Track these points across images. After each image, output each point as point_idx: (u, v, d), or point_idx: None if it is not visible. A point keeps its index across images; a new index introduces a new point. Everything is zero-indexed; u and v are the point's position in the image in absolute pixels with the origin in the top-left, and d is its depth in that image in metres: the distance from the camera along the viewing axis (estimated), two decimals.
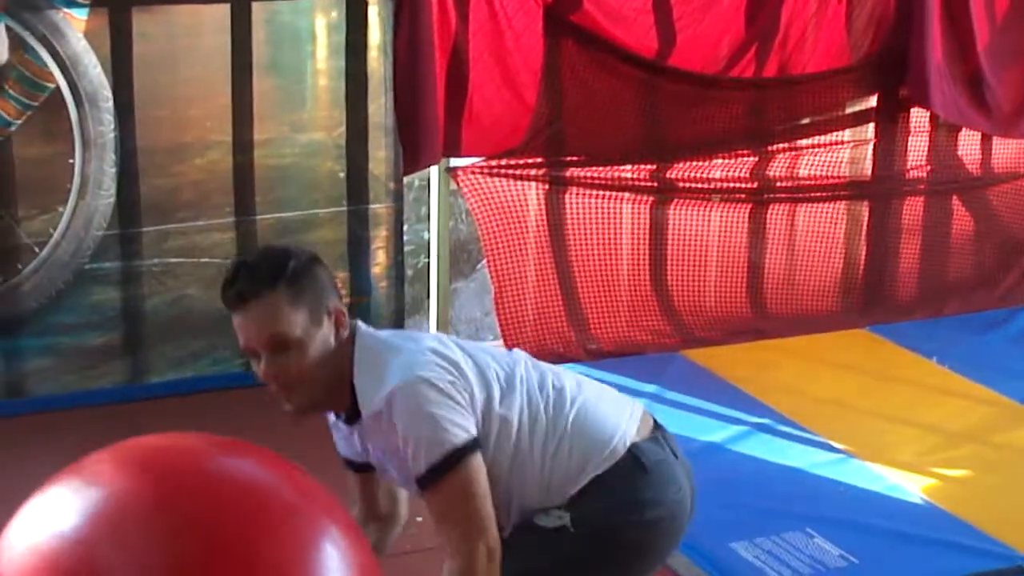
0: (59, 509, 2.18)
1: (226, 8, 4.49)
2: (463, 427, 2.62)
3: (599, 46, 4.82)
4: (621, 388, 4.46)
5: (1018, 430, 4.42)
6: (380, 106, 4.71)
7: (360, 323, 2.79)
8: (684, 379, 4.63)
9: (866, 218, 5.52)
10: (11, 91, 4.30)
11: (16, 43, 4.24)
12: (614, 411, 2.87)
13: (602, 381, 4.56)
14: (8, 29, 4.23)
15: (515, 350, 2.96)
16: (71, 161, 4.43)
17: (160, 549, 2.11)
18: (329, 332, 2.68)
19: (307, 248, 2.82)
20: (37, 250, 4.44)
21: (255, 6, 4.52)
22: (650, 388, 4.50)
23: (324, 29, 4.68)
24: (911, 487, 3.98)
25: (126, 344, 4.53)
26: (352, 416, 2.70)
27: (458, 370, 2.69)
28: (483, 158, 4.80)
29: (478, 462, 2.64)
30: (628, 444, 2.81)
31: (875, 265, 5.54)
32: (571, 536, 2.75)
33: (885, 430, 4.38)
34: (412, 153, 4.58)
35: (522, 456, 2.76)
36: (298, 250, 2.74)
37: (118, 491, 2.19)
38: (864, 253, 5.53)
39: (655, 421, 2.94)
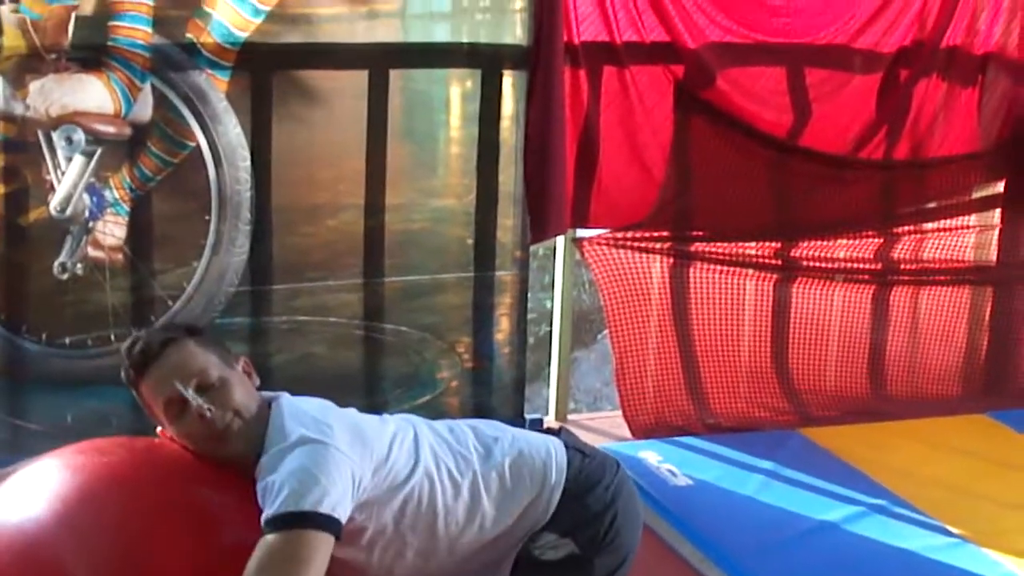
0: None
1: (364, 75, 4.45)
2: (336, 506, 2.55)
3: (730, 123, 4.74)
4: (737, 464, 4.34)
5: None
6: (510, 175, 4.62)
7: (284, 394, 2.83)
8: (800, 457, 4.46)
9: (989, 303, 5.37)
10: (153, 148, 4.24)
11: (160, 102, 4.20)
12: (534, 438, 3.02)
13: (719, 457, 4.45)
14: (153, 88, 4.20)
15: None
16: (207, 218, 4.35)
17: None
18: (244, 378, 2.77)
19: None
20: (170, 303, 4.36)
21: (392, 73, 4.47)
22: (766, 465, 4.34)
23: (459, 98, 4.63)
24: None
25: None
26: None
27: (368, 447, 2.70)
28: (609, 230, 4.73)
29: (325, 547, 2.52)
30: (561, 449, 2.97)
31: (997, 350, 5.40)
32: (583, 556, 2.87)
33: (1003, 516, 4.17)
34: (540, 222, 4.55)
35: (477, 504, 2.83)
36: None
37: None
38: (986, 338, 5.38)
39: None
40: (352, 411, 2.87)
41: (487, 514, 2.84)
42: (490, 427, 3.02)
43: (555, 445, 3.01)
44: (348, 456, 2.62)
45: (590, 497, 2.93)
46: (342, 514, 2.56)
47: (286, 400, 2.78)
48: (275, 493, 2.52)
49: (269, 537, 2.48)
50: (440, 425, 2.99)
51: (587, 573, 2.89)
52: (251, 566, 2.47)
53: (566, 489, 2.91)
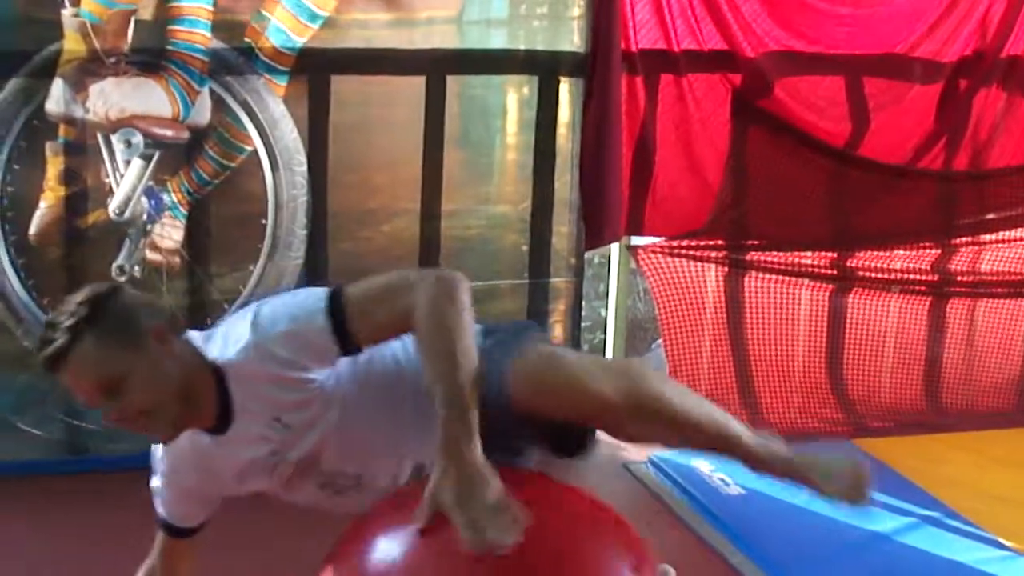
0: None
1: (421, 80, 4.45)
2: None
3: (787, 132, 4.72)
4: None
5: None
6: (566, 183, 4.63)
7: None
8: None
9: None
10: (211, 151, 4.28)
11: (218, 106, 4.22)
12: None
13: None
14: (211, 92, 4.22)
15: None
16: (264, 222, 4.40)
17: None
18: (157, 352, 2.51)
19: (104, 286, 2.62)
20: (227, 307, 4.38)
21: (450, 80, 4.47)
22: None
23: (515, 104, 4.63)
24: None
25: None
26: (223, 418, 2.55)
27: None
28: (664, 238, 4.72)
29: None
30: None
31: None
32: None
33: None
34: (595, 229, 4.56)
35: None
36: (96, 287, 2.56)
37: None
38: None
39: None
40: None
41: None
42: None
43: None
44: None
45: None
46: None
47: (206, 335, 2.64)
48: (303, 322, 2.47)
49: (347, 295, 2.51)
50: None
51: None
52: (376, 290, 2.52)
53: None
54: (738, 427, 2.64)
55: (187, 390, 2.52)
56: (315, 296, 2.49)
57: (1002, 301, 5.24)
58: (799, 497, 4.09)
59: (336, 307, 2.43)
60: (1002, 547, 3.98)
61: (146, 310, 2.56)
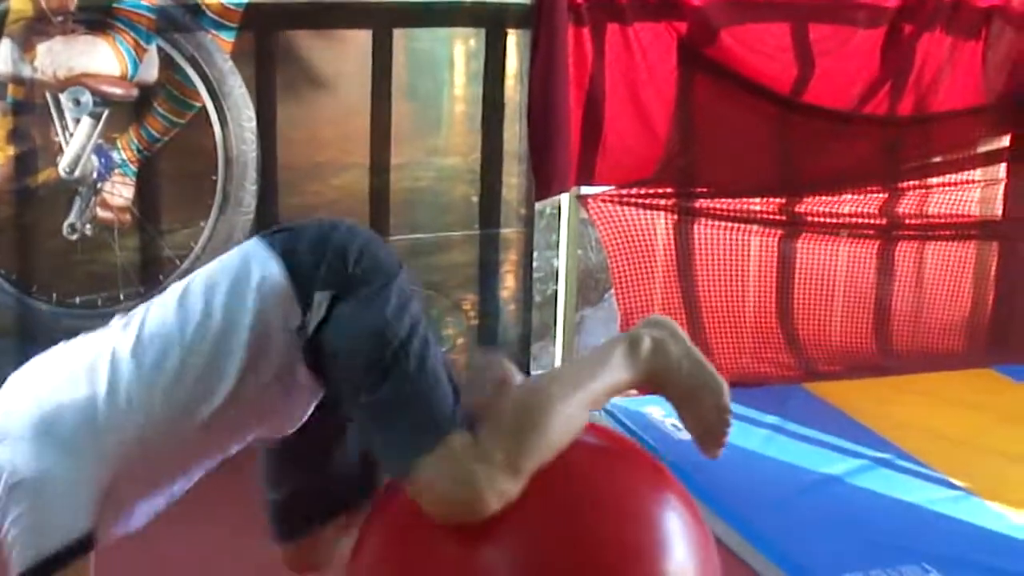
0: None
1: (368, 34, 4.47)
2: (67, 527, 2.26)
3: (733, 80, 4.73)
4: (742, 419, 4.34)
5: None
6: (515, 133, 4.64)
7: None
8: (805, 412, 4.52)
9: (995, 258, 5.37)
10: (159, 108, 4.27)
11: (166, 63, 4.22)
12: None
13: None
14: (159, 49, 4.22)
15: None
16: (213, 178, 4.38)
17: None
18: None
19: None
20: (179, 262, 4.38)
21: (397, 32, 4.49)
22: (771, 419, 4.39)
23: (462, 56, 4.64)
24: None
25: None
26: None
27: None
28: (614, 187, 4.72)
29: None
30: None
31: (1003, 305, 5.42)
32: (350, 292, 2.36)
33: (1008, 469, 4.20)
34: (544, 180, 4.55)
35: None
36: None
37: None
38: (992, 293, 5.39)
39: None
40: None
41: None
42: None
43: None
44: (60, 471, 2.29)
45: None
46: (82, 525, 2.26)
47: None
48: (13, 556, 2.27)
49: None
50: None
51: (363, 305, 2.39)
52: None
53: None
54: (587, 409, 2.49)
55: None
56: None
57: (949, 244, 5.27)
58: (752, 441, 4.22)
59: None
60: (953, 487, 4.03)
61: None
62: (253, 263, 2.39)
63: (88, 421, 2.30)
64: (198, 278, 2.44)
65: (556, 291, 4.88)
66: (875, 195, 5.09)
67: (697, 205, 4.87)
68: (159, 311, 2.41)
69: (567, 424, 2.35)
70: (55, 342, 4.13)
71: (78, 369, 2.38)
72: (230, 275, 2.41)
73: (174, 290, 2.45)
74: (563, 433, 2.34)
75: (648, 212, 4.79)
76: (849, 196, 5.05)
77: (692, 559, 2.41)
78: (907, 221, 5.17)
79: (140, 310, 2.46)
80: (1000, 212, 5.31)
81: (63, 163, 4.22)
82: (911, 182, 5.12)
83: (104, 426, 2.30)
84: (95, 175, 4.27)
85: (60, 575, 2.23)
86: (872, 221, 5.12)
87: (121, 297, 4.37)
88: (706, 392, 2.52)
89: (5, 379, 4.12)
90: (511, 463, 2.25)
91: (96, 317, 4.09)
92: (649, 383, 2.52)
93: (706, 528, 2.51)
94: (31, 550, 2.23)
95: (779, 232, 5.01)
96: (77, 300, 4.33)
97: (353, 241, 2.42)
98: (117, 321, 2.49)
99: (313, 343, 2.36)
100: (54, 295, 4.30)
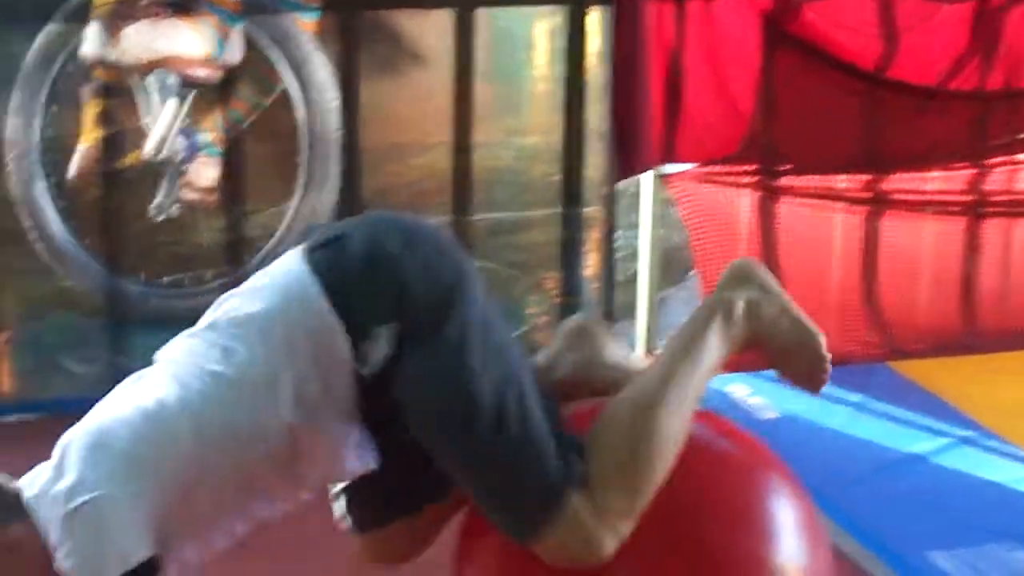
0: None
1: (450, 13, 4.50)
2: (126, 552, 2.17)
3: (818, 55, 4.66)
4: (826, 397, 4.32)
5: None
6: (596, 112, 4.64)
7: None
8: (890, 390, 4.50)
9: None
10: (244, 91, 4.38)
11: (250, 44, 4.29)
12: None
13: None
14: (243, 31, 4.28)
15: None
16: (297, 159, 4.47)
17: None
18: (7, 567, 2.25)
19: None
20: (264, 243, 4.48)
21: (479, 12, 4.52)
22: (855, 398, 4.37)
23: (544, 35, 4.65)
24: None
25: None
26: None
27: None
28: (697, 165, 4.67)
29: None
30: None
31: None
32: (416, 328, 2.21)
33: None
34: (626, 159, 4.50)
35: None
36: None
37: None
38: None
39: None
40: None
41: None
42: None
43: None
44: (119, 498, 2.20)
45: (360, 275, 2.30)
46: (141, 551, 2.18)
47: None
48: None
49: None
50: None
51: (430, 338, 2.25)
52: None
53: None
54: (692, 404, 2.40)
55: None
56: None
57: None
58: (836, 420, 4.21)
59: None
60: None
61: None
62: (295, 296, 2.26)
63: (134, 447, 2.23)
64: (244, 314, 2.29)
65: (638, 270, 4.86)
66: (962, 172, 5.00)
67: (781, 183, 4.80)
68: (212, 348, 2.29)
69: (676, 439, 2.29)
70: (143, 322, 4.31)
71: (127, 398, 2.31)
72: (271, 307, 2.27)
73: (214, 314, 2.34)
74: (674, 450, 2.28)
75: (731, 190, 4.73)
76: (936, 173, 4.96)
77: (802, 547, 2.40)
78: (995, 198, 5.06)
79: (198, 338, 2.33)
80: None
81: (149, 145, 4.31)
82: (999, 158, 5.01)
83: (147, 454, 2.23)
84: (181, 157, 4.34)
85: None
86: (959, 198, 5.03)
87: (207, 277, 4.45)
88: (804, 347, 2.50)
89: (96, 359, 4.31)
90: (629, 508, 2.23)
91: (182, 297, 4.35)
92: (747, 348, 2.47)
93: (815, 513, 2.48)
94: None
95: (864, 210, 4.90)
96: (164, 280, 4.43)
97: (411, 257, 2.27)
98: (186, 338, 2.38)
99: (377, 382, 2.25)
100: (142, 275, 4.41)
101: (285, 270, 2.32)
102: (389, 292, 2.22)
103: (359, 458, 2.31)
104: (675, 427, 2.28)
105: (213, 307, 2.36)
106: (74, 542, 2.15)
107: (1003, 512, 3.75)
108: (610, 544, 2.21)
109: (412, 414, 2.25)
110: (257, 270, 4.46)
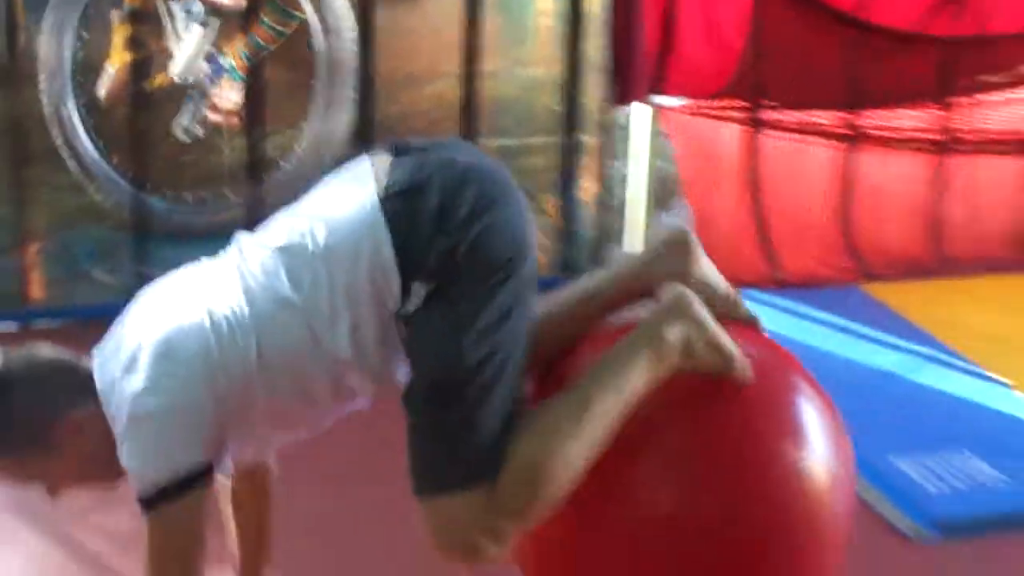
0: None
1: None
2: (179, 467, 2.25)
3: (803, 1, 4.75)
4: (803, 317, 4.43)
5: None
6: (595, 46, 4.69)
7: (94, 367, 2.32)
8: (862, 311, 4.58)
9: None
10: (266, 19, 4.38)
11: None
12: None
13: (786, 310, 4.48)
14: None
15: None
16: (315, 84, 4.49)
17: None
18: (73, 446, 2.33)
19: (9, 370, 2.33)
20: (281, 163, 4.52)
21: None
22: (829, 318, 4.46)
23: None
24: None
25: None
26: None
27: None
28: (689, 100, 4.74)
29: (186, 512, 2.27)
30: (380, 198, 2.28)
31: None
32: (448, 291, 2.25)
33: None
34: (622, 89, 4.62)
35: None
36: None
37: None
38: None
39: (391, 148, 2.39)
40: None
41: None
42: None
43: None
44: (183, 406, 2.28)
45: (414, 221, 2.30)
46: (196, 460, 2.28)
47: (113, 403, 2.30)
48: (132, 483, 2.30)
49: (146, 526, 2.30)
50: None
51: (459, 301, 2.29)
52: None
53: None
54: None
55: (114, 455, 2.33)
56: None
57: (1002, 158, 5.26)
58: (813, 337, 4.24)
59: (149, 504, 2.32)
60: (996, 382, 4.10)
61: (50, 400, 2.34)
62: (366, 241, 2.27)
63: (204, 355, 2.28)
64: (321, 246, 2.30)
65: (630, 196, 4.90)
66: (933, 111, 5.11)
67: (766, 118, 4.88)
68: (274, 260, 2.33)
69: (578, 465, 2.27)
70: (168, 236, 4.35)
71: (200, 300, 2.34)
72: (343, 248, 2.29)
73: (288, 234, 2.34)
74: (574, 474, 2.27)
75: (718, 124, 4.82)
76: (908, 111, 5.07)
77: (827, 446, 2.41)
78: (963, 135, 5.18)
79: (257, 247, 2.38)
80: None
81: (175, 69, 4.33)
82: (967, 99, 5.12)
83: (217, 362, 2.28)
84: (205, 80, 4.38)
85: (179, 504, 2.25)
86: (929, 135, 5.14)
87: (228, 194, 4.46)
88: (722, 368, 2.35)
89: (121, 269, 4.34)
90: (520, 515, 2.25)
91: (205, 213, 4.39)
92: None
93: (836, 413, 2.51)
94: (147, 482, 2.25)
95: (842, 144, 5.03)
96: (188, 197, 4.45)
97: (476, 217, 2.27)
98: (238, 248, 2.42)
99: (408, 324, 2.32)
100: (167, 192, 4.43)
101: (358, 208, 2.31)
102: (442, 260, 2.25)
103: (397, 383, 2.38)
104: (581, 454, 2.26)
105: (284, 218, 2.38)
106: (136, 443, 2.24)
107: (960, 422, 3.84)
108: (485, 546, 2.26)
109: (410, 352, 2.30)
110: (275, 189, 4.42)
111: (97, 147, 4.33)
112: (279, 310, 2.29)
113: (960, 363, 4.29)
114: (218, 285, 2.34)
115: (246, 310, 2.29)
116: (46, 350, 2.39)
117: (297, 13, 4.40)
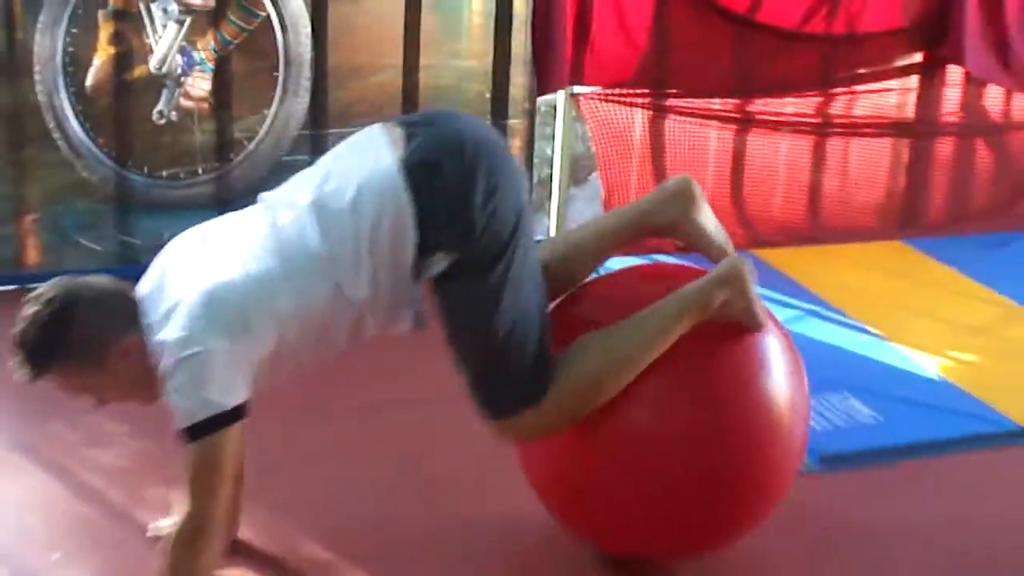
0: None
1: None
2: (224, 396, 2.37)
3: (700, 1, 4.93)
4: None
5: (1018, 326, 4.54)
6: (521, 41, 4.82)
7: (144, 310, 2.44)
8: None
9: (907, 151, 5.61)
10: (232, 16, 4.48)
11: None
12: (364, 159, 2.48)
13: None
14: None
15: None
16: (275, 74, 4.59)
17: None
18: (118, 366, 2.44)
19: (70, 289, 2.47)
20: (247, 144, 4.63)
21: None
22: None
23: None
24: (930, 366, 4.09)
25: None
26: None
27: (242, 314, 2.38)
28: (600, 87, 4.90)
29: (229, 440, 2.39)
30: (400, 165, 2.42)
31: (912, 190, 5.66)
32: (470, 264, 2.42)
33: (913, 320, 4.45)
34: (544, 79, 4.75)
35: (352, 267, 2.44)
36: (55, 310, 2.42)
37: None
38: (904, 180, 5.64)
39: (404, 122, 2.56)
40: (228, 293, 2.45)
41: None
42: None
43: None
44: (224, 351, 2.38)
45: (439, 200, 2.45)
46: (236, 398, 2.40)
47: (168, 337, 2.41)
48: (175, 415, 2.40)
49: (186, 451, 2.41)
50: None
51: (482, 272, 2.45)
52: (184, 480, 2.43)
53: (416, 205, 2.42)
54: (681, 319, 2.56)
55: (152, 381, 2.44)
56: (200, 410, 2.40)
57: (871, 140, 5.48)
58: None
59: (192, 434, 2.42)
60: (870, 333, 4.32)
61: (112, 327, 2.42)
62: (389, 203, 2.40)
63: (242, 306, 2.38)
64: (346, 202, 2.41)
65: (550, 173, 5.11)
66: (812, 98, 5.32)
67: (668, 104, 5.04)
68: (303, 217, 2.43)
69: (622, 384, 2.49)
70: (147, 208, 4.45)
71: (242, 249, 2.45)
72: (367, 207, 2.40)
73: (315, 193, 2.45)
74: (616, 390, 2.50)
75: (628, 108, 4.98)
76: (791, 99, 5.27)
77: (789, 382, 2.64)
78: (837, 120, 5.39)
79: (284, 206, 2.49)
80: (912, 115, 5.54)
81: (153, 61, 4.42)
82: (841, 89, 5.32)
83: (253, 311, 2.39)
84: (179, 71, 4.46)
85: (221, 434, 2.37)
86: (809, 120, 5.34)
87: (199, 171, 4.58)
88: (751, 322, 2.63)
89: (106, 238, 4.42)
90: (572, 414, 2.50)
91: (178, 187, 4.50)
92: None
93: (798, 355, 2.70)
94: (191, 416, 2.36)
95: (734, 127, 5.21)
96: (164, 174, 4.53)
97: (490, 198, 2.39)
98: (266, 207, 2.53)
99: (431, 284, 2.46)
100: (146, 169, 4.51)
101: (382, 172, 2.42)
102: (461, 230, 2.39)
103: (405, 323, 2.56)
104: (626, 378, 2.49)
105: (307, 179, 2.51)
106: (183, 383, 2.35)
107: (841, 368, 3.99)
108: (545, 432, 2.53)
109: (446, 317, 2.48)
110: (242, 165, 4.48)
111: (84, 130, 4.40)
112: (308, 262, 2.41)
113: (839, 317, 4.48)
114: (251, 240, 2.45)
115: (280, 267, 2.41)
116: (106, 280, 2.53)
117: (260, 12, 4.49)
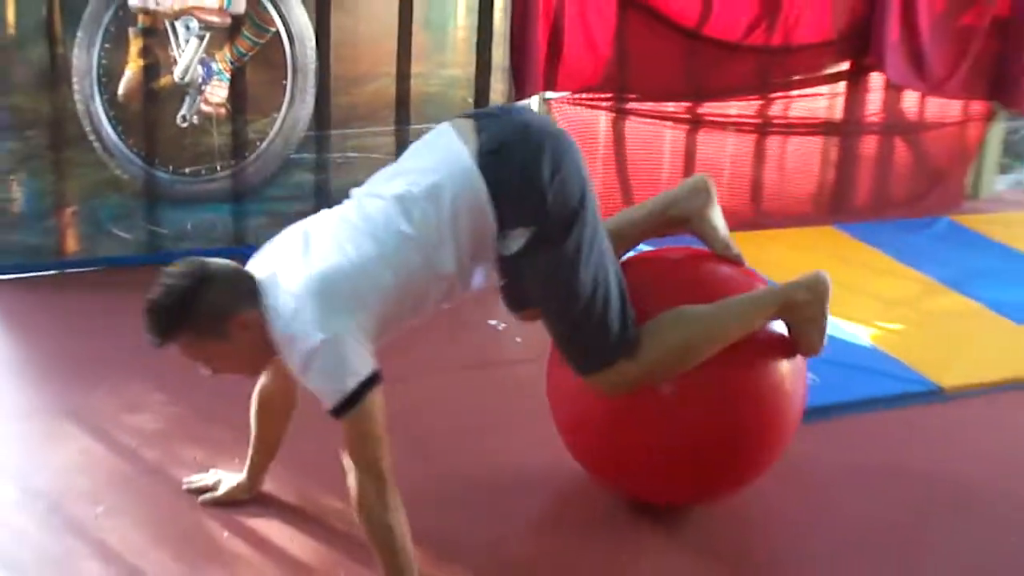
0: None
1: None
2: (360, 369, 2.34)
3: (656, 18, 4.93)
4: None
5: (936, 299, 4.55)
6: (500, 52, 4.79)
7: (264, 288, 2.40)
8: None
9: (835, 148, 5.62)
10: (246, 32, 4.43)
11: None
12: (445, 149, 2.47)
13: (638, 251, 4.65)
14: None
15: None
16: (284, 82, 4.54)
17: None
18: (239, 339, 2.41)
19: (202, 266, 2.44)
20: (259, 144, 4.58)
21: None
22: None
23: None
24: (861, 335, 4.11)
25: (316, 210, 4.09)
26: None
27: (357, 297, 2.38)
28: (570, 92, 4.90)
29: (376, 404, 2.37)
30: (477, 156, 2.42)
31: (841, 182, 5.68)
32: (546, 235, 2.41)
33: (844, 295, 3.94)
34: (520, 86, 4.75)
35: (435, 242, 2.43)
36: (188, 282, 2.40)
37: None
38: (833, 173, 5.65)
39: (474, 114, 2.55)
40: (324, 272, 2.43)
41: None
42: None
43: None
44: (348, 331, 2.36)
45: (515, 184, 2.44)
46: (369, 367, 2.38)
47: (273, 312, 2.41)
48: (322, 397, 2.37)
49: (343, 426, 2.39)
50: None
51: (556, 241, 2.44)
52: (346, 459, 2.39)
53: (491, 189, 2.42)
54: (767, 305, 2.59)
55: (267, 356, 2.46)
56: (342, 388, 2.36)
57: (805, 138, 5.49)
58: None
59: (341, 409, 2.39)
60: None
61: (233, 302, 2.40)
62: (466, 188, 2.39)
63: (354, 290, 2.37)
64: (428, 185, 2.40)
65: None
66: (753, 102, 5.32)
67: (628, 107, 5.03)
68: (390, 206, 2.42)
69: (704, 357, 2.51)
70: (172, 201, 4.42)
71: (340, 237, 2.43)
72: (447, 192, 2.40)
73: (400, 185, 2.44)
74: (698, 361, 2.52)
75: (593, 111, 4.98)
76: (735, 103, 5.26)
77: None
78: (775, 121, 5.40)
79: (373, 198, 2.46)
80: (840, 116, 5.54)
81: (177, 72, 4.39)
82: (779, 94, 5.34)
83: (365, 294, 2.37)
84: (200, 80, 4.43)
85: (366, 402, 2.34)
86: (751, 121, 5.35)
87: (218, 168, 4.53)
88: (815, 335, 2.63)
89: (137, 228, 4.38)
90: (660, 373, 2.51)
91: (199, 183, 4.45)
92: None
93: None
94: (339, 392, 2.33)
95: (686, 127, 5.21)
96: (187, 171, 4.50)
97: (555, 173, 2.38)
98: (357, 201, 2.51)
99: (507, 259, 2.45)
100: (170, 167, 4.48)
101: (457, 161, 2.41)
102: (533, 206, 2.39)
103: (484, 286, 2.57)
104: (708, 353, 2.53)
105: (391, 173, 2.50)
106: (322, 368, 2.33)
107: None
108: (629, 388, 2.53)
109: (532, 290, 2.49)
110: (255, 163, 4.43)
111: (117, 133, 4.37)
112: (401, 243, 2.41)
113: None
114: (346, 229, 2.44)
115: (375, 248, 2.40)
116: (228, 261, 2.50)
117: (270, 28, 4.45)
